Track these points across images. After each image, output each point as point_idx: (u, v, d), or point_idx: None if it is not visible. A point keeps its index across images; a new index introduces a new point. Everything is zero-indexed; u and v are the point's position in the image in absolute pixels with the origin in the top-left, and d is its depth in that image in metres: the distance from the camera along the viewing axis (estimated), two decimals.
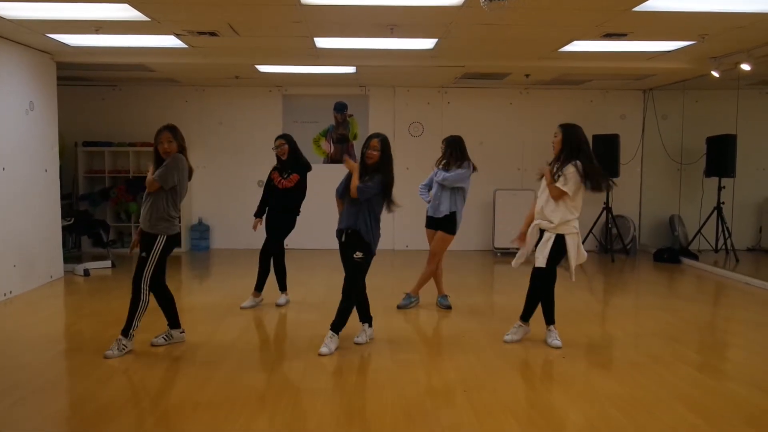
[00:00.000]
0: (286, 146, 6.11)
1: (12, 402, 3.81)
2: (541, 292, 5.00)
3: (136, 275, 4.65)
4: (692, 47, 6.85)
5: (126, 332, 4.64)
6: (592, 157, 4.82)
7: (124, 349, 4.62)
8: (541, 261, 4.85)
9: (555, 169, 4.83)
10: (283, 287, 6.34)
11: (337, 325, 4.82)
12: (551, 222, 4.83)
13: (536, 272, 4.93)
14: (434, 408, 3.75)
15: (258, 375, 4.32)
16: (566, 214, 4.79)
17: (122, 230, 9.98)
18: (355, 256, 4.76)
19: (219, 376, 4.26)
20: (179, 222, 4.77)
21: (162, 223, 4.61)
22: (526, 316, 5.08)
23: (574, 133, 4.83)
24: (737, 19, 5.70)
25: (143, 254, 4.64)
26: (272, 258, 6.22)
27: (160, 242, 4.62)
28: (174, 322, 4.94)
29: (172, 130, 4.62)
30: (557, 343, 4.91)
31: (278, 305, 6.25)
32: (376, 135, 4.88)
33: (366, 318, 5.07)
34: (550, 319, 5.05)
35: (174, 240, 4.73)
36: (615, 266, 8.96)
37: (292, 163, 6.10)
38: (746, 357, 4.92)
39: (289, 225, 6.19)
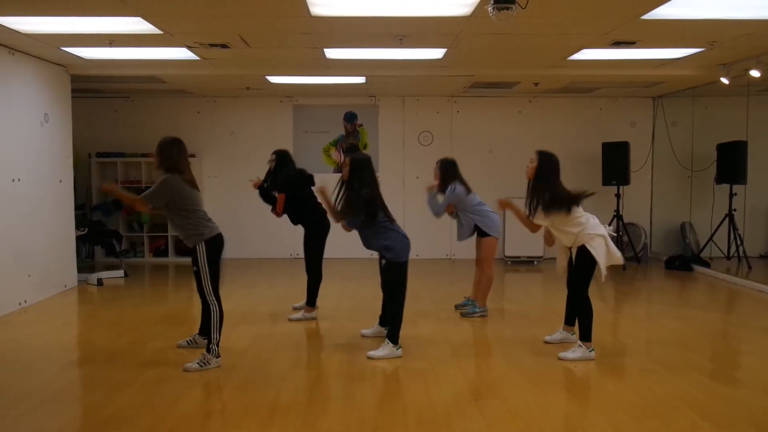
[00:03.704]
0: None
1: (24, 410, 3.86)
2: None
3: (199, 289, 4.82)
4: (701, 54, 6.85)
5: (209, 348, 4.67)
6: (556, 186, 4.80)
7: (206, 365, 4.60)
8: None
9: (531, 202, 4.84)
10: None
11: (392, 334, 4.98)
12: (567, 245, 4.88)
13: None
14: (445, 417, 3.75)
15: (269, 384, 4.34)
16: (572, 230, 4.81)
17: (135, 240, 10.05)
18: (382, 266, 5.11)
19: (231, 385, 4.29)
20: (212, 223, 4.88)
21: (193, 235, 4.73)
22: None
23: (548, 161, 4.86)
24: (746, 26, 5.70)
25: (195, 268, 4.79)
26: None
27: (202, 251, 4.74)
28: (204, 330, 4.94)
29: (160, 146, 4.65)
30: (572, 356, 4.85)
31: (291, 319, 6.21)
32: (353, 154, 5.18)
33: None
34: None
35: (213, 243, 4.82)
36: (626, 274, 8.92)
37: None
38: (759, 364, 4.89)
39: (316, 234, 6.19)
